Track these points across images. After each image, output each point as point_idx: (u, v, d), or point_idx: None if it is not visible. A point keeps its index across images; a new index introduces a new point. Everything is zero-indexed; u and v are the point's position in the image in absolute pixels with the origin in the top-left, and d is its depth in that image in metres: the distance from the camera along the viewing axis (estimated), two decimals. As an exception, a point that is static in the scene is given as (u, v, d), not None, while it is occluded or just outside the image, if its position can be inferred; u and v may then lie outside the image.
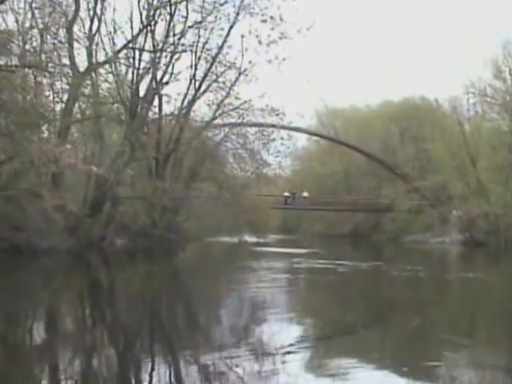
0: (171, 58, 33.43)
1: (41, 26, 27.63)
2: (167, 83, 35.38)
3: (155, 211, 36.54)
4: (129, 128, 31.47)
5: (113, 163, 30.48)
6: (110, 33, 32.03)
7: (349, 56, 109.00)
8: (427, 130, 61.02)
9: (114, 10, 32.74)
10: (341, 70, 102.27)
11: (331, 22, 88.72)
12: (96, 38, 30.78)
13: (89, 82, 28.98)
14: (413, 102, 66.39)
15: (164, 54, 33.40)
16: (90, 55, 29.39)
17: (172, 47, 32.71)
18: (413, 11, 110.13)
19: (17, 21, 29.85)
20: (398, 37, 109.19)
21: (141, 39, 32.85)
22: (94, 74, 30.12)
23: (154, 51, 32.04)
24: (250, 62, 37.98)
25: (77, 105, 30.19)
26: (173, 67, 35.97)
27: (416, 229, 57.45)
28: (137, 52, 32.43)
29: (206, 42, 35.71)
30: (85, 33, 30.21)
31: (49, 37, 27.40)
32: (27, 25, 28.14)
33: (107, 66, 31.72)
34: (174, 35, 32.56)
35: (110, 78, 32.48)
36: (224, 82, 38.69)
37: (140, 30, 31.25)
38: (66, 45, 27.79)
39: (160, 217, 36.73)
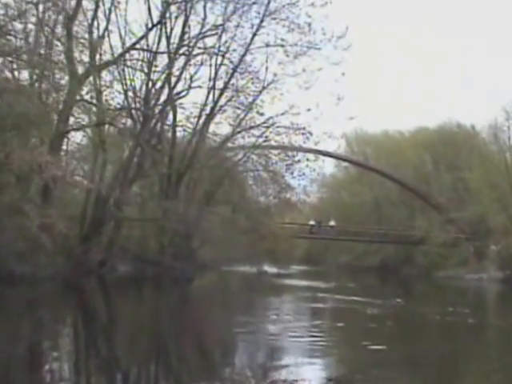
0: (186, 62, 30.03)
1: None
2: (183, 93, 32.13)
3: (165, 235, 33.10)
4: (136, 140, 28.00)
5: (116, 179, 27.00)
6: (119, 30, 28.80)
7: (382, 76, 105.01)
8: (464, 158, 58.00)
9: (125, 7, 29.45)
10: (372, 91, 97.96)
11: (363, 40, 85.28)
12: (103, 39, 27.39)
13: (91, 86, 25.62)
14: (449, 129, 63.04)
15: (178, 60, 30.05)
16: (92, 56, 25.95)
17: (187, 50, 29.23)
18: (450, 32, 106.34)
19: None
20: (432, 60, 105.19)
21: (154, 41, 29.72)
22: (97, 79, 26.80)
23: (168, 53, 28.69)
24: (274, 75, 34.72)
25: (78, 113, 26.86)
26: (191, 80, 32.87)
27: (450, 264, 53.39)
28: (146, 56, 29.01)
29: (226, 50, 32.39)
30: (90, 32, 26.70)
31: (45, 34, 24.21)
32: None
33: (114, 69, 28.33)
34: (190, 38, 29.26)
35: (118, 84, 29.14)
36: (246, 97, 35.43)
37: (151, 27, 27.80)
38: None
39: (170, 242, 33.27)
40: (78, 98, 24.91)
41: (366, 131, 70.50)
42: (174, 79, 30.69)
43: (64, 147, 32.15)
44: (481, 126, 59.26)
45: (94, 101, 26.40)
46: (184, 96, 33.41)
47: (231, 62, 32.35)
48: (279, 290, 30.83)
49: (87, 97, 25.99)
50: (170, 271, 31.66)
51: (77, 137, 30.10)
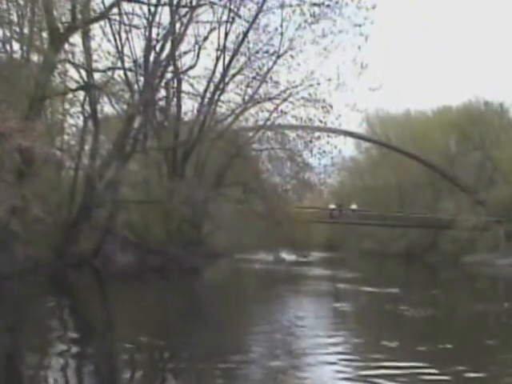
0: (190, 18, 26.28)
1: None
2: (190, 61, 28.48)
3: (171, 221, 29.51)
4: (132, 109, 24.24)
5: (110, 156, 23.27)
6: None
7: (403, 52, 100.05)
8: (493, 136, 55.07)
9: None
10: (394, 67, 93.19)
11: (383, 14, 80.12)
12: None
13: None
14: (475, 107, 59.10)
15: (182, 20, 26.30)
16: (76, 8, 21.93)
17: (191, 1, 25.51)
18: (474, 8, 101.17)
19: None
20: (456, 36, 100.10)
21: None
22: (85, 38, 23.07)
23: (170, 5, 24.93)
24: (291, 41, 30.98)
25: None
26: (200, 47, 29.24)
27: (479, 248, 49.69)
28: (144, 11, 25.28)
29: (237, 9, 28.61)
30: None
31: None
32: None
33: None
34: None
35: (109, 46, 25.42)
36: (260, 67, 31.74)
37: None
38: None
39: (177, 228, 29.68)
40: (61, 59, 21.19)
41: (388, 112, 67.30)
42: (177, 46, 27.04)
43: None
44: (509, 103, 56.07)
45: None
46: (192, 67, 30.08)
47: (242, 18, 28.55)
48: (298, 282, 27.08)
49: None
50: (177, 262, 28.05)
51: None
